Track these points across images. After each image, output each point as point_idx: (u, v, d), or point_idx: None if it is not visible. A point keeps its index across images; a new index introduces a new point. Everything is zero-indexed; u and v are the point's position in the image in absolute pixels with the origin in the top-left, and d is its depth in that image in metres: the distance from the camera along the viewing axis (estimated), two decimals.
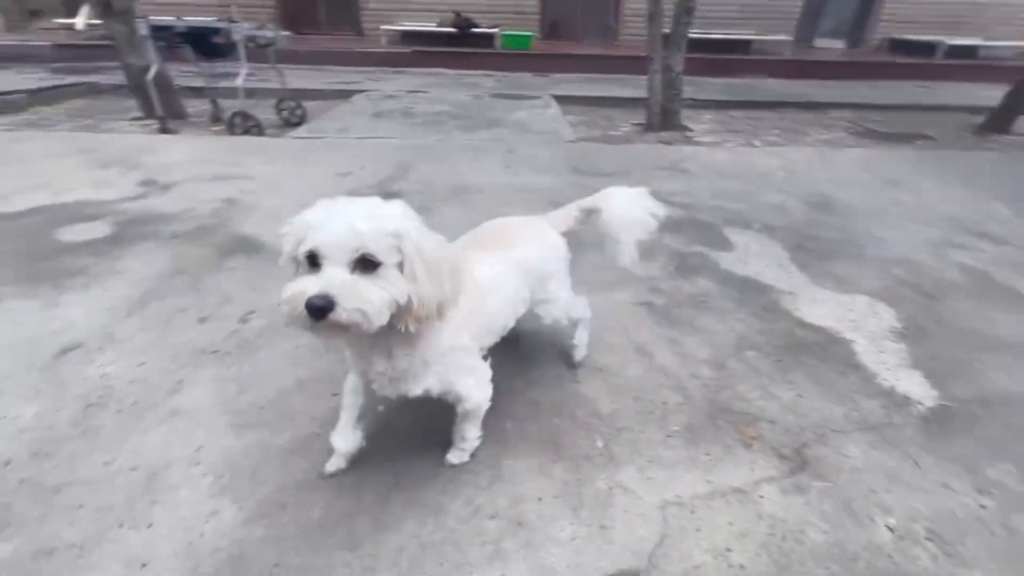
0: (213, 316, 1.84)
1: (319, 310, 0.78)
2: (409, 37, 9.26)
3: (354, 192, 2.97)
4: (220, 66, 4.50)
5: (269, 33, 4.40)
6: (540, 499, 1.22)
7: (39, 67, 7.22)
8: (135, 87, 4.69)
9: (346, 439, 1.22)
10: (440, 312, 0.93)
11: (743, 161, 4.02)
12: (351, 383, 1.21)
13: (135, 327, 1.76)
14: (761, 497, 1.24)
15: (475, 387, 1.19)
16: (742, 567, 1.09)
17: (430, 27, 9.23)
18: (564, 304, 1.48)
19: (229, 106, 4.49)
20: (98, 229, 2.45)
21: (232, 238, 2.42)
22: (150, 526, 1.12)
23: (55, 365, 1.58)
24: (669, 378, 1.63)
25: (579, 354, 1.66)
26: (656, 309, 1.99)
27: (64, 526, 1.11)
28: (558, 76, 8.09)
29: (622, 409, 1.50)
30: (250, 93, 4.36)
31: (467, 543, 1.12)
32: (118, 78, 5.56)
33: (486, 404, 1.23)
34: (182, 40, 4.20)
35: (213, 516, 1.14)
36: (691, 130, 5.13)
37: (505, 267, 1.28)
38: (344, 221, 0.83)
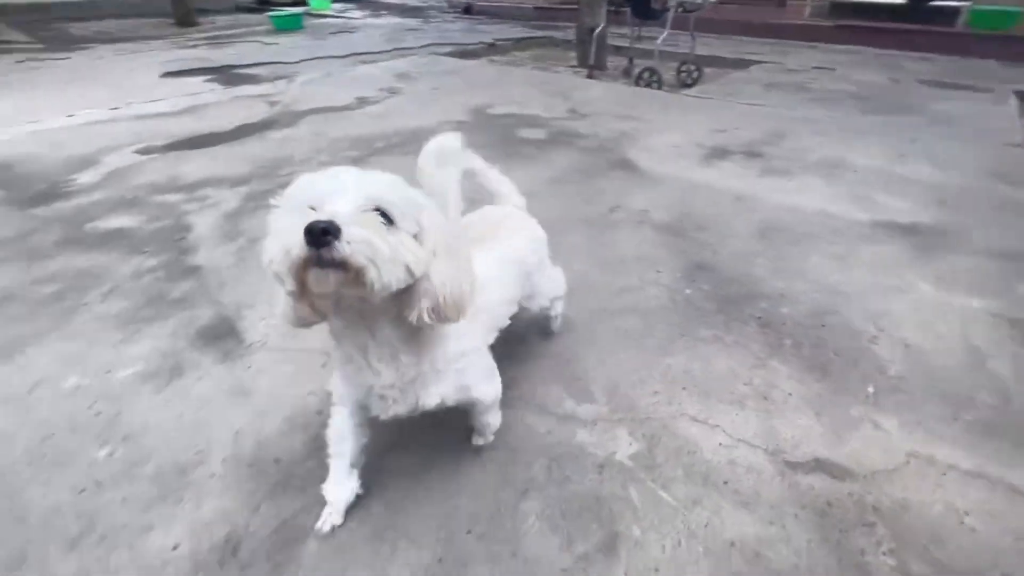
0: (592, 201, 2.61)
1: (322, 233, 0.64)
2: (839, 9, 8.34)
3: (720, 147, 3.32)
4: (646, 29, 5.33)
5: (699, 0, 4.91)
6: (790, 394, 1.47)
7: (519, 23, 9.83)
8: (580, 42, 6.02)
9: (342, 487, 1.11)
10: (461, 307, 0.83)
11: None
12: (336, 427, 1.10)
13: (549, 194, 2.68)
14: None
15: (489, 388, 1.16)
16: (973, 530, 1.12)
17: None
18: (547, 291, 1.50)
19: (639, 63, 5.33)
20: (540, 134, 3.59)
21: (618, 158, 3.16)
22: None
23: None
24: (994, 383, 1.51)
25: (555, 325, 1.67)
26: (1021, 326, 1.73)
27: None
28: None
29: (912, 379, 1.52)
30: (660, 54, 5.05)
31: (719, 389, 1.49)
32: (566, 34, 7.18)
33: (499, 396, 1.21)
34: (626, 4, 5.16)
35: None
36: None
37: (501, 261, 1.23)
38: (357, 173, 0.75)
